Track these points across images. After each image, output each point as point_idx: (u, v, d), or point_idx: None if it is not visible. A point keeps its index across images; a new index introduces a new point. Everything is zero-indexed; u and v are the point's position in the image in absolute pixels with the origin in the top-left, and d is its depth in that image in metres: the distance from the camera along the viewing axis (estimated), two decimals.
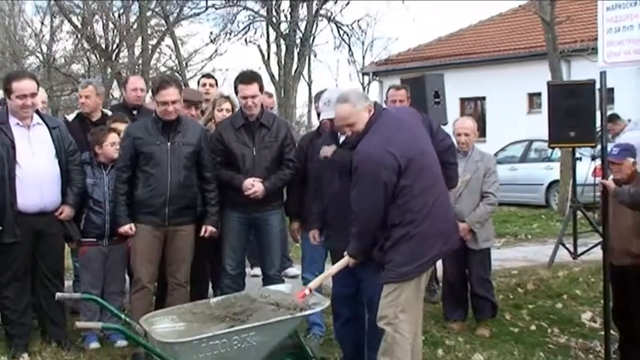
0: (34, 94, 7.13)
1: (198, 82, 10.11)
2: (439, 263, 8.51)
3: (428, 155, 5.95)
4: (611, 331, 6.82)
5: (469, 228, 8.01)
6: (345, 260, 6.11)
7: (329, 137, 6.68)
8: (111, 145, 7.54)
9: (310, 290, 6.06)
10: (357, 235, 5.96)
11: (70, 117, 9.10)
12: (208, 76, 10.01)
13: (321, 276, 6.33)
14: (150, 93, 8.42)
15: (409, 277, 5.81)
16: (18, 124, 7.14)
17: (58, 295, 6.47)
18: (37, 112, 7.35)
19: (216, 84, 9.80)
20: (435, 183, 5.95)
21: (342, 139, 6.43)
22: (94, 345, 7.56)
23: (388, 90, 9.24)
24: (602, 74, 6.52)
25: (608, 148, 6.97)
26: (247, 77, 7.52)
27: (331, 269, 6.28)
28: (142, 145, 7.08)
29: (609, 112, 15.65)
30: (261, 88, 7.55)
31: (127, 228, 7.13)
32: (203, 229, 7.29)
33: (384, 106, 7.56)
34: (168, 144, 7.09)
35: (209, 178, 7.33)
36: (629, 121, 15.09)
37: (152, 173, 7.06)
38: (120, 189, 7.17)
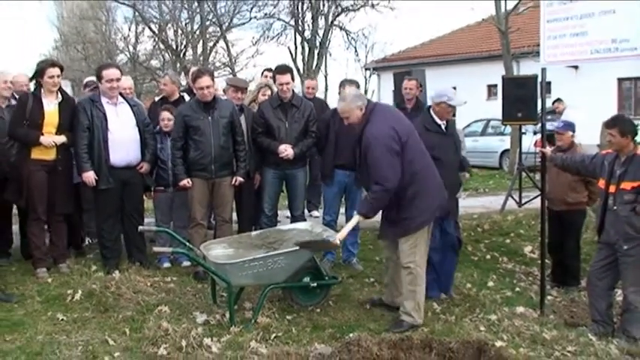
0: (118, 79, 7.18)
1: (262, 72, 9.95)
2: None
3: (414, 135, 5.80)
4: (546, 260, 6.76)
5: None
6: (356, 219, 5.87)
7: (430, 120, 6.50)
8: (161, 121, 7.59)
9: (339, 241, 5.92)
10: (377, 200, 5.67)
11: (156, 98, 9.05)
12: (270, 70, 9.74)
13: (343, 232, 5.94)
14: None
15: (423, 225, 5.77)
16: (107, 102, 7.16)
17: (140, 227, 6.51)
18: (121, 94, 7.38)
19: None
20: (425, 153, 5.84)
21: (442, 124, 6.44)
22: (166, 265, 7.61)
23: (403, 80, 9.06)
24: (543, 70, 6.46)
25: (555, 125, 7.05)
26: (283, 69, 7.55)
27: (347, 227, 5.95)
28: (190, 121, 7.01)
29: (555, 98, 15.99)
30: (292, 78, 7.52)
31: (185, 182, 7.09)
32: (234, 180, 7.24)
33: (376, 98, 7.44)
34: (209, 118, 7.02)
35: (240, 141, 7.26)
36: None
37: (200, 141, 7.00)
38: (176, 154, 7.12)
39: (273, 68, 9.19)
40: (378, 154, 5.55)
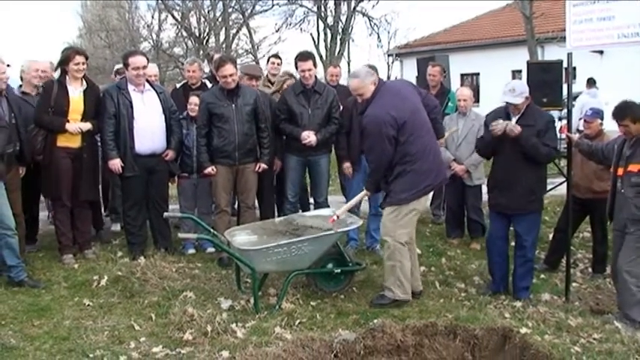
0: (145, 67, 7.17)
1: (268, 60, 9.81)
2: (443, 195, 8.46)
3: (417, 115, 5.87)
4: (571, 247, 6.69)
5: (466, 169, 7.91)
6: (363, 194, 6.35)
7: (504, 114, 6.36)
8: (189, 105, 7.66)
9: (337, 217, 6.13)
10: (371, 174, 6.11)
11: (178, 85, 9.05)
12: (276, 56, 9.73)
13: (345, 206, 6.29)
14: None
15: (405, 201, 5.84)
16: (134, 89, 7.17)
17: (165, 214, 6.55)
18: (148, 81, 7.36)
19: (282, 62, 9.57)
20: (425, 135, 5.88)
21: (514, 120, 6.21)
22: (191, 251, 7.65)
23: (427, 66, 9.10)
24: (569, 55, 6.38)
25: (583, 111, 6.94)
26: (304, 56, 7.50)
27: (352, 201, 6.37)
28: (214, 108, 7.01)
29: (581, 82, 15.81)
30: (314, 64, 7.48)
31: (209, 169, 7.11)
32: (257, 166, 7.25)
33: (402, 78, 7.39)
34: (233, 105, 7.01)
35: (263, 128, 7.26)
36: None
37: (224, 128, 7.00)
38: (201, 142, 7.13)
39: (278, 55, 9.31)
40: (372, 140, 5.80)
